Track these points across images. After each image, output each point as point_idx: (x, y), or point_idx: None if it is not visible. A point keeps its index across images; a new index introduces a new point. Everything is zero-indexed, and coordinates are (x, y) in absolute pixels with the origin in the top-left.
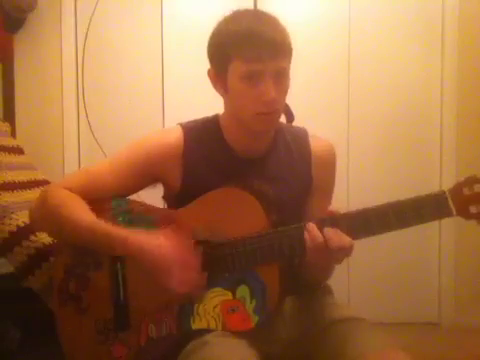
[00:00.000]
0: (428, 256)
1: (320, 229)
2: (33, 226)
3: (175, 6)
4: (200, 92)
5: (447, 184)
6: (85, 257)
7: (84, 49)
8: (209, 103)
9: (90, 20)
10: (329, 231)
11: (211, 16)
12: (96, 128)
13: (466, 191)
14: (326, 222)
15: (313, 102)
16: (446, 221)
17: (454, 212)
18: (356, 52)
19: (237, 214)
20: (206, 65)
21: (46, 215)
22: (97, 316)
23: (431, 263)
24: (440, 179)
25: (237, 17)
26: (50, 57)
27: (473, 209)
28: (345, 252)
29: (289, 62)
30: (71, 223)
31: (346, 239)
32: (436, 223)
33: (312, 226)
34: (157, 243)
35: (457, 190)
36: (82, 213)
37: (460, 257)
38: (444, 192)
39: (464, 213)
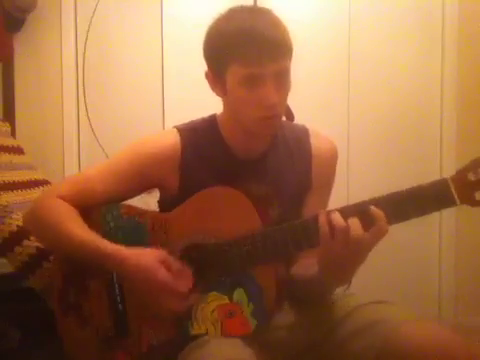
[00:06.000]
0: (428, 256)
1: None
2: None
3: (175, 6)
4: (200, 92)
5: None
6: (81, 266)
7: (84, 49)
8: (209, 103)
9: (90, 20)
10: (354, 220)
11: (211, 16)
12: (96, 128)
13: (471, 176)
14: (344, 211)
15: (313, 102)
16: (447, 221)
17: (457, 201)
18: (356, 52)
19: (228, 213)
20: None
21: (40, 229)
22: (98, 324)
23: (431, 263)
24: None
25: (233, 16)
26: (50, 57)
27: (479, 195)
28: (364, 245)
29: (290, 60)
30: (66, 239)
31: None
32: (436, 223)
33: (337, 214)
34: (148, 269)
35: (461, 176)
36: (76, 228)
37: (460, 257)
38: (446, 180)
39: (469, 200)
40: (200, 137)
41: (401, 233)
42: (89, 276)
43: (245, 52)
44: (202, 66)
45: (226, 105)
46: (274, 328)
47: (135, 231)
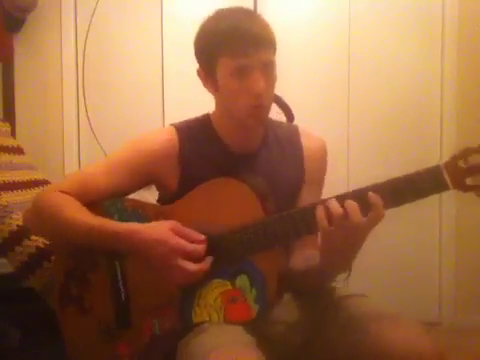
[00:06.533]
0: (428, 256)
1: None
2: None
3: (175, 6)
4: (200, 92)
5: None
6: (83, 259)
7: (84, 49)
8: (209, 103)
9: (90, 20)
10: (351, 204)
11: None
12: (96, 128)
13: (461, 164)
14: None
15: (313, 102)
16: (447, 221)
17: (450, 186)
18: (356, 52)
19: (232, 204)
20: None
21: (44, 219)
22: (100, 316)
23: (431, 263)
24: None
25: (220, 16)
26: (50, 57)
27: (469, 181)
28: (359, 230)
29: (274, 55)
30: (72, 225)
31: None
32: (437, 222)
33: (334, 201)
34: (161, 237)
35: (453, 163)
36: (79, 213)
37: (460, 257)
38: (439, 166)
39: (461, 186)
40: (196, 133)
41: (401, 233)
42: (91, 269)
43: (232, 46)
44: None
45: (218, 102)
46: (273, 323)
47: (139, 223)
